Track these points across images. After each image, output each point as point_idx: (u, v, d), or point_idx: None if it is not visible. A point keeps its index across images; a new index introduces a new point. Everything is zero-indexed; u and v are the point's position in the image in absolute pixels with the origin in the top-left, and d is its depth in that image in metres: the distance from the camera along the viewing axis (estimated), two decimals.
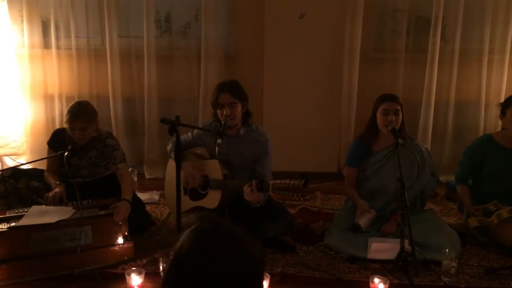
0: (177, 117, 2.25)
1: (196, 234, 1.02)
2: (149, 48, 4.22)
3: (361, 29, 4.13)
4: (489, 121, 4.30)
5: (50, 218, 2.48)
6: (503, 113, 2.91)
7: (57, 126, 4.25)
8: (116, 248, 2.58)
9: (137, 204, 2.96)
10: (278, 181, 2.40)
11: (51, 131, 3.19)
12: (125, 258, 2.59)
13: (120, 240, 2.60)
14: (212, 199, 2.80)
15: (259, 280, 1.05)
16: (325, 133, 4.32)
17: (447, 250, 2.43)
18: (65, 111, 4.22)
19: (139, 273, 2.30)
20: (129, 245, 2.62)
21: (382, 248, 2.58)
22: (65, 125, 2.84)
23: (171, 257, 1.02)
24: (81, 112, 2.80)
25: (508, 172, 2.91)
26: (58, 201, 2.71)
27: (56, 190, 2.77)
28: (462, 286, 2.39)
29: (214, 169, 2.74)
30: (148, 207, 3.35)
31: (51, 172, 2.96)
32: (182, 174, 2.65)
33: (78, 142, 2.87)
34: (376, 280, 2.27)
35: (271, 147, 2.90)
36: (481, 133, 4.15)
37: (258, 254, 1.04)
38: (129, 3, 4.25)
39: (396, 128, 2.76)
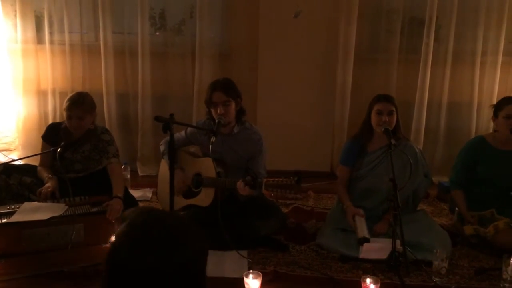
0: (171, 115, 2.25)
1: (125, 229, 1.03)
2: (144, 45, 4.20)
3: (356, 29, 4.15)
4: (481, 122, 4.33)
5: (42, 215, 2.47)
6: (495, 116, 2.93)
7: (50, 121, 4.22)
8: (108, 245, 2.57)
9: (130, 201, 2.96)
10: (271, 179, 2.40)
11: (44, 127, 3.18)
12: None
13: (113, 238, 2.59)
14: (205, 197, 2.80)
15: (197, 270, 1.04)
16: (318, 133, 4.33)
17: (438, 250, 2.45)
18: (58, 107, 4.28)
19: None
20: None
21: (374, 248, 2.60)
22: (64, 113, 2.85)
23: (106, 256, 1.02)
24: (80, 100, 2.83)
25: (500, 174, 2.94)
26: (50, 196, 2.70)
27: (48, 184, 2.76)
28: (452, 286, 2.41)
29: (208, 167, 2.74)
30: (141, 204, 3.35)
31: (44, 166, 2.95)
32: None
33: (73, 133, 2.87)
34: (368, 280, 2.28)
35: (265, 145, 2.90)
36: (473, 135, 4.18)
37: (193, 245, 1.03)
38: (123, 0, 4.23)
39: (389, 128, 2.77)
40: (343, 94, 4.28)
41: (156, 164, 3.80)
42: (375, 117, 2.86)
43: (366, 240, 2.61)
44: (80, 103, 2.82)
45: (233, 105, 2.79)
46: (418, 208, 3.14)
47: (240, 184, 2.51)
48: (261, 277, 2.28)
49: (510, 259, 2.36)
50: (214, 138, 2.58)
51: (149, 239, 1.00)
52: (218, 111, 2.73)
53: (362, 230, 2.68)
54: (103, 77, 4.25)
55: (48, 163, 2.94)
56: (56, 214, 2.49)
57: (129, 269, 0.98)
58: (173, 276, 0.99)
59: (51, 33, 4.22)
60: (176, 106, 4.31)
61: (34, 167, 3.01)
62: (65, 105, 2.84)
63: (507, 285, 2.37)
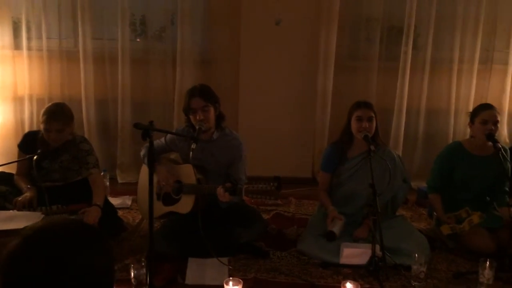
0: (151, 122, 2.23)
1: (24, 233, 1.02)
2: (124, 51, 4.17)
3: (336, 37, 4.19)
4: (458, 128, 4.41)
5: (17, 223, 2.41)
6: (472, 122, 2.99)
7: (27, 129, 4.15)
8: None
9: (108, 209, 2.91)
10: (251, 185, 2.40)
11: (21, 134, 3.13)
12: None
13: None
14: (186, 204, 2.78)
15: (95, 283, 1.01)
16: (299, 139, 4.35)
17: (416, 255, 2.47)
18: (35, 114, 4.21)
19: None
20: None
21: (354, 253, 2.62)
22: (41, 126, 2.79)
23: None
24: (58, 113, 2.76)
25: (476, 179, 2.99)
26: (27, 205, 2.64)
27: (27, 194, 2.70)
28: None
29: (188, 174, 2.72)
30: (120, 212, 3.31)
31: (21, 175, 2.89)
32: (155, 178, 2.63)
33: (51, 144, 2.81)
34: (348, 285, 2.29)
35: (245, 151, 2.90)
36: (450, 140, 4.25)
37: (85, 254, 1.00)
38: (103, 6, 4.19)
39: (368, 135, 2.80)
40: (324, 101, 4.31)
41: (136, 171, 3.77)
42: (355, 123, 2.89)
43: (333, 235, 2.67)
44: (58, 116, 2.75)
45: (212, 111, 2.78)
46: (397, 214, 3.17)
47: (220, 191, 2.51)
48: (242, 284, 2.27)
49: (486, 263, 2.40)
50: (195, 145, 2.56)
51: (42, 244, 0.98)
52: (198, 117, 2.72)
53: (333, 225, 2.73)
54: (82, 84, 4.20)
55: (24, 171, 2.89)
56: (32, 223, 2.43)
57: (23, 275, 0.96)
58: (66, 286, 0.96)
59: (28, 39, 4.16)
60: (157, 113, 4.28)
61: (10, 175, 2.95)
62: (42, 118, 2.76)
63: None
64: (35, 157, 2.62)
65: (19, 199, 2.66)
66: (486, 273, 2.40)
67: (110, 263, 1.06)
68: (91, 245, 1.03)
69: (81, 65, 4.17)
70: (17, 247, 0.99)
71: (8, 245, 1.00)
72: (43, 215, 2.54)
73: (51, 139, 2.78)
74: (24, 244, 0.99)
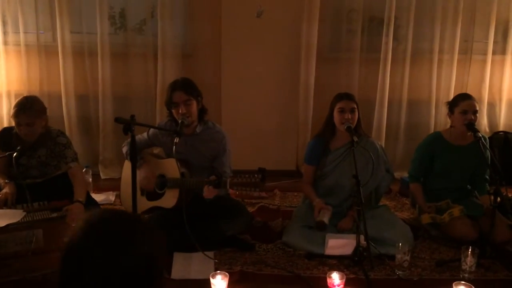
0: (132, 116, 2.20)
1: (82, 225, 1.04)
2: (103, 45, 4.10)
3: (317, 29, 4.19)
4: (439, 118, 4.46)
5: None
6: (451, 112, 3.02)
7: (5, 125, 4.06)
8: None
9: (91, 205, 2.88)
10: (236, 178, 2.40)
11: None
12: None
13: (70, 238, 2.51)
14: (170, 199, 2.76)
15: (146, 275, 1.04)
16: (283, 131, 4.36)
17: (400, 244, 2.50)
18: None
19: None
20: None
21: (339, 244, 2.64)
22: (11, 120, 2.73)
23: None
24: (27, 106, 2.69)
25: (456, 168, 3.04)
26: (10, 204, 2.59)
27: (6, 190, 2.65)
28: (415, 279, 2.47)
29: (172, 168, 2.70)
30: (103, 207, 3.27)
31: None
32: (139, 173, 2.61)
33: (25, 139, 2.75)
34: (333, 275, 2.31)
35: (229, 143, 2.89)
36: (432, 131, 4.30)
37: (144, 249, 1.04)
38: None
39: (351, 126, 2.82)
40: (307, 93, 4.32)
41: (119, 166, 3.72)
42: (338, 115, 2.90)
43: (323, 224, 2.68)
44: (27, 109, 2.68)
45: (194, 104, 2.76)
46: (381, 204, 3.21)
47: (206, 189, 2.50)
48: (228, 278, 2.27)
49: (469, 251, 2.45)
50: (178, 139, 2.54)
51: (101, 235, 1.01)
52: (180, 111, 2.70)
53: (322, 216, 2.74)
54: (62, 79, 4.13)
55: (2, 168, 2.82)
56: (14, 221, 2.39)
57: (82, 265, 0.98)
58: (122, 276, 0.99)
59: (5, 34, 4.06)
60: (139, 107, 4.24)
61: None
62: (12, 111, 2.70)
63: (466, 275, 2.45)
64: (14, 154, 2.56)
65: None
66: (469, 260, 2.45)
67: (156, 261, 1.08)
68: (150, 243, 1.07)
69: (60, 60, 4.09)
70: (81, 231, 1.02)
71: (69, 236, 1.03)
72: (24, 213, 2.50)
73: (22, 133, 2.72)
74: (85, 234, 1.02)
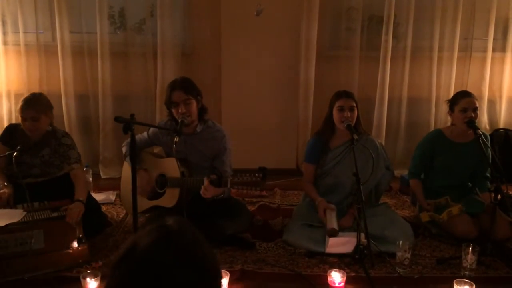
0: (132, 115, 2.20)
1: (161, 231, 0.96)
2: (103, 45, 4.10)
3: (317, 27, 4.19)
4: (439, 116, 4.46)
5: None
6: (451, 110, 3.02)
7: (5, 125, 4.06)
8: (70, 251, 2.49)
9: (91, 204, 2.88)
10: (237, 177, 2.39)
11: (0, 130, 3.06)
12: (80, 261, 2.51)
13: (74, 243, 2.52)
14: (170, 198, 2.76)
15: None
16: (283, 130, 4.36)
17: (401, 242, 2.50)
18: (13, 110, 4.13)
19: (95, 276, 2.24)
20: (84, 247, 2.54)
21: (339, 242, 2.63)
22: (18, 115, 2.74)
23: (122, 252, 0.94)
24: (33, 101, 2.72)
25: (457, 166, 3.04)
26: (6, 203, 2.59)
27: (4, 190, 2.65)
28: (415, 276, 2.47)
29: (172, 167, 2.70)
30: (104, 208, 3.28)
31: None
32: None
33: (30, 135, 2.76)
34: (334, 273, 2.31)
35: (229, 142, 2.89)
36: (432, 129, 4.30)
37: (214, 264, 1.00)
38: None
39: (351, 124, 2.82)
40: (306, 91, 4.31)
41: (119, 166, 3.72)
42: (337, 113, 2.89)
43: (335, 232, 2.64)
44: (33, 104, 2.70)
45: (194, 104, 2.76)
46: (381, 201, 3.21)
47: (203, 190, 2.49)
48: (229, 276, 2.27)
49: (469, 248, 2.45)
50: (178, 138, 2.54)
51: (186, 249, 0.95)
52: (180, 110, 2.70)
53: (332, 222, 2.71)
54: (61, 78, 4.13)
55: (2, 166, 2.82)
56: (13, 221, 2.40)
57: (158, 277, 0.90)
58: None
59: (4, 34, 4.07)
60: (139, 107, 4.24)
61: None
62: (18, 107, 2.73)
63: (467, 272, 2.45)
64: (15, 154, 2.57)
65: None
66: (469, 258, 2.44)
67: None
68: (215, 265, 1.01)
69: (60, 59, 4.10)
70: (156, 232, 0.95)
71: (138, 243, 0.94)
72: (24, 212, 2.50)
73: (27, 128, 2.73)
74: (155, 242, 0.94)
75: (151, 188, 2.85)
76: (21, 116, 2.72)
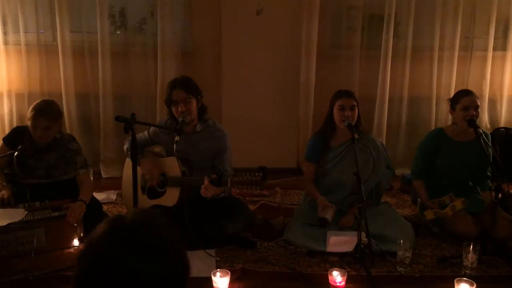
0: (132, 114, 2.21)
1: (111, 224, 0.97)
2: (103, 44, 4.10)
3: (317, 26, 4.18)
4: (440, 115, 4.45)
5: (0, 221, 2.37)
6: (453, 108, 3.02)
7: (6, 125, 4.08)
8: (72, 250, 2.50)
9: (93, 204, 2.88)
10: (237, 176, 2.39)
11: (0, 130, 3.06)
12: None
13: (75, 242, 2.52)
14: (171, 197, 2.76)
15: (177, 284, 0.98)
16: (284, 129, 4.36)
17: (401, 241, 2.50)
18: (14, 109, 4.13)
19: None
20: None
21: (340, 241, 2.63)
22: (28, 123, 2.73)
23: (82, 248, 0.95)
24: (46, 110, 2.70)
25: (458, 165, 3.03)
26: (6, 204, 2.59)
27: (3, 192, 2.65)
28: (416, 275, 2.47)
29: (172, 166, 2.71)
30: (105, 207, 3.28)
31: None
32: (139, 171, 2.61)
33: (38, 142, 2.76)
34: (335, 273, 2.31)
35: (230, 141, 2.89)
36: (433, 128, 4.29)
37: (175, 256, 0.98)
38: None
39: (352, 123, 2.81)
40: (307, 90, 4.31)
41: (120, 165, 3.72)
42: (338, 112, 2.89)
43: (325, 221, 2.68)
44: (45, 113, 2.68)
45: (194, 103, 2.76)
46: (382, 201, 3.20)
47: (203, 189, 2.49)
48: (229, 275, 2.28)
49: (470, 247, 2.45)
50: (178, 137, 2.54)
51: (135, 240, 0.93)
52: (180, 109, 2.70)
53: (325, 213, 2.72)
54: (62, 78, 4.13)
55: (3, 165, 2.81)
56: (15, 220, 2.40)
57: (107, 270, 0.90)
58: (152, 285, 0.92)
59: (5, 33, 4.06)
60: (139, 106, 4.24)
61: None
62: (29, 114, 2.70)
63: (467, 271, 2.45)
64: (16, 153, 2.57)
65: None
66: (470, 257, 2.44)
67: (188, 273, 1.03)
68: (182, 254, 1.01)
69: (60, 59, 4.09)
70: (108, 232, 0.96)
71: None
72: (25, 212, 2.50)
73: (37, 136, 2.72)
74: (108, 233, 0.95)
75: (157, 174, 2.84)
76: (32, 125, 2.70)
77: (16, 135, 2.85)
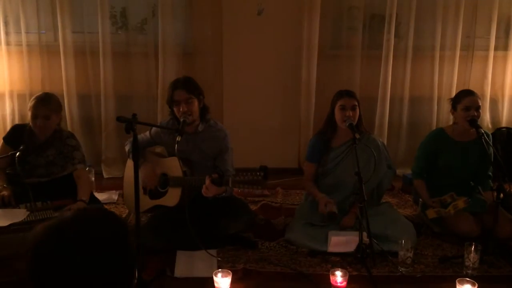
0: (134, 115, 2.21)
1: (53, 223, 0.99)
2: (105, 44, 4.11)
3: (318, 26, 4.18)
4: (441, 115, 4.45)
5: (2, 221, 2.38)
6: (454, 108, 3.01)
7: (8, 125, 4.08)
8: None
9: (94, 204, 2.88)
10: (238, 176, 2.39)
11: (2, 130, 3.07)
12: None
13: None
14: (172, 197, 2.76)
15: (123, 274, 1.01)
16: (285, 129, 4.36)
17: (403, 241, 2.50)
18: (16, 110, 4.14)
19: None
20: None
21: (342, 241, 2.63)
22: (28, 114, 2.76)
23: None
24: (47, 99, 2.75)
25: (459, 165, 3.03)
26: (7, 205, 2.60)
27: (4, 193, 2.65)
28: (418, 275, 2.47)
29: (174, 166, 2.71)
30: (106, 207, 3.28)
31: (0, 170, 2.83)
32: (140, 174, 2.61)
33: (38, 134, 2.77)
34: (336, 273, 2.31)
35: (231, 142, 2.89)
36: (434, 127, 4.29)
37: (112, 252, 0.99)
38: None
39: (353, 123, 2.81)
40: (308, 90, 4.31)
41: (122, 165, 3.74)
42: (339, 112, 2.89)
43: (334, 215, 2.69)
44: (47, 102, 2.74)
45: (196, 103, 2.76)
46: (383, 201, 3.20)
47: (204, 188, 2.49)
48: (231, 275, 2.28)
49: (472, 247, 2.44)
50: (180, 137, 2.54)
51: (72, 237, 0.96)
52: (181, 109, 2.70)
53: (331, 207, 2.73)
54: (64, 78, 4.14)
55: (4, 166, 2.82)
56: (16, 221, 2.40)
57: (52, 267, 0.94)
58: (94, 283, 0.95)
59: (7, 34, 4.08)
60: (140, 106, 4.25)
61: None
62: (30, 103, 2.75)
63: (469, 271, 2.44)
64: (17, 154, 2.57)
65: None
66: (472, 256, 2.44)
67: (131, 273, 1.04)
68: (124, 250, 1.02)
69: (62, 60, 4.11)
70: (51, 230, 0.98)
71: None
72: (27, 212, 2.50)
73: (38, 126, 2.74)
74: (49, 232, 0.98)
75: (155, 180, 2.85)
76: (33, 113, 2.73)
77: (16, 133, 2.86)
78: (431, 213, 2.90)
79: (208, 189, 2.49)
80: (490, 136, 3.07)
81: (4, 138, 2.88)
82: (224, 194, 2.62)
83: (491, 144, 2.96)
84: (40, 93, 2.86)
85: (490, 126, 4.46)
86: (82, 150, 2.98)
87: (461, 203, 2.81)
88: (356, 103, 2.89)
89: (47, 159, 2.85)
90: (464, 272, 2.45)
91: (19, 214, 2.47)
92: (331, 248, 2.64)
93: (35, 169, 2.83)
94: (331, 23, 4.38)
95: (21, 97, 4.13)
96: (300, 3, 4.12)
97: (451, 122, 3.14)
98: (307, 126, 4.39)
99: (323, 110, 3.21)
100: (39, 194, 2.64)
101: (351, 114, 2.85)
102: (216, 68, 4.23)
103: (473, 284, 2.21)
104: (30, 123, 2.79)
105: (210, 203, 2.70)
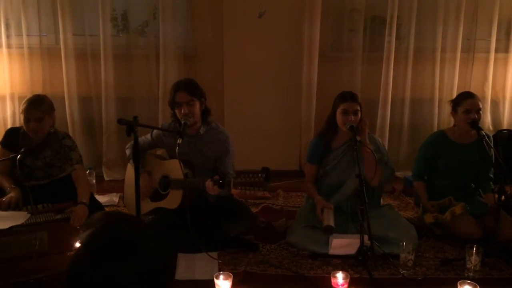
0: (135, 117, 2.21)
1: (86, 239, 1.00)
2: (106, 47, 4.11)
3: (319, 29, 4.18)
4: (442, 117, 4.44)
5: (3, 224, 2.37)
6: (454, 111, 3.01)
7: (9, 127, 4.08)
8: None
9: (95, 207, 2.88)
10: (239, 177, 2.39)
11: (3, 133, 3.07)
12: None
13: (78, 245, 2.52)
14: (173, 199, 2.76)
15: (157, 283, 1.00)
16: (286, 131, 4.36)
17: (404, 243, 2.50)
18: (17, 112, 4.14)
19: None
20: None
21: (343, 244, 2.63)
22: (21, 118, 2.75)
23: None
24: (38, 101, 2.74)
25: (460, 167, 3.03)
26: (13, 207, 2.60)
27: (12, 195, 2.66)
28: (419, 278, 2.47)
29: (175, 169, 2.71)
30: (107, 210, 3.27)
31: (3, 174, 2.84)
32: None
33: (33, 137, 2.77)
34: (337, 275, 2.31)
35: (232, 144, 2.90)
36: (435, 129, 4.28)
37: (151, 255, 1.00)
38: (83, 1, 4.13)
39: (354, 125, 2.81)
40: (309, 93, 4.31)
41: (123, 168, 3.73)
42: (341, 116, 2.89)
43: (331, 228, 2.68)
44: (38, 104, 2.73)
45: (197, 105, 2.77)
46: (385, 203, 3.20)
47: (208, 184, 2.50)
48: (232, 278, 2.27)
49: (473, 249, 2.44)
50: (181, 140, 2.54)
51: (103, 248, 0.96)
52: (183, 111, 2.71)
53: (328, 219, 2.73)
54: (65, 81, 4.14)
55: (6, 170, 2.83)
56: (18, 223, 2.40)
57: (88, 282, 0.95)
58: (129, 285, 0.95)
59: (8, 36, 4.08)
60: (142, 109, 4.24)
61: None
62: (22, 107, 2.74)
63: (471, 274, 2.44)
64: (18, 156, 2.57)
65: (4, 199, 2.62)
66: (473, 259, 2.44)
67: (167, 267, 1.06)
68: (156, 249, 1.02)
69: (63, 62, 4.11)
70: (84, 246, 0.99)
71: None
72: (29, 215, 2.50)
73: (31, 129, 2.74)
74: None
75: (151, 192, 2.85)
76: (25, 117, 2.73)
77: (11, 136, 2.87)
78: (428, 218, 2.91)
79: (213, 189, 2.49)
80: (491, 138, 3.06)
81: (1, 143, 2.88)
82: (222, 193, 2.62)
83: (492, 146, 2.96)
84: (31, 95, 2.85)
85: (491, 128, 4.46)
86: (78, 150, 2.98)
87: (458, 209, 2.81)
88: (359, 108, 2.88)
89: (44, 160, 2.85)
90: (466, 275, 2.45)
91: (20, 217, 2.47)
92: (332, 251, 2.64)
93: (34, 171, 2.83)
94: (332, 26, 4.39)
95: (22, 99, 4.02)
96: (301, 5, 4.13)
97: (452, 124, 3.14)
98: (308, 128, 4.39)
99: (324, 113, 3.21)
100: (39, 197, 2.63)
101: (353, 119, 2.84)
102: (217, 71, 4.24)
103: (474, 287, 2.20)
104: (24, 126, 2.79)
105: (211, 206, 2.70)
